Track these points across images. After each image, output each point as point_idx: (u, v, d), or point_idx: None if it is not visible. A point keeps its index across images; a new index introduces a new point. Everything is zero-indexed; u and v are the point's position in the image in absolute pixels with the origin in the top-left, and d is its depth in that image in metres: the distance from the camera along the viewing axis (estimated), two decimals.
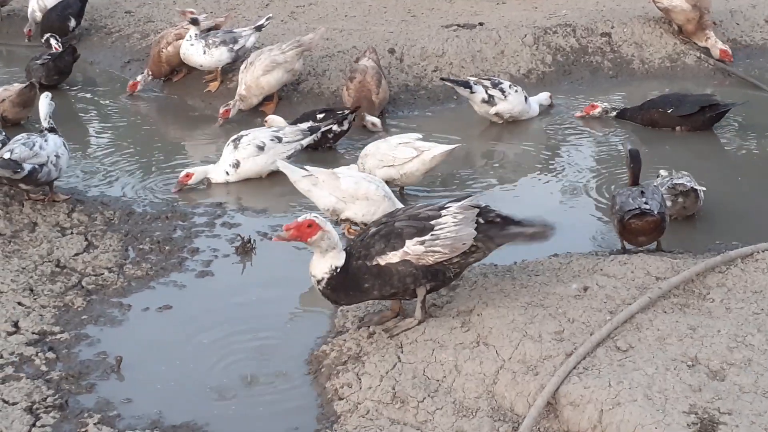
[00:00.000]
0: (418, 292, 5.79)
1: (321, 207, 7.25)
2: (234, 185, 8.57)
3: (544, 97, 10.26)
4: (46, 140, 7.77)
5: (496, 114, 9.73)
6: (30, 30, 12.72)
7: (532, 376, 5.33)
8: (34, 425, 5.30)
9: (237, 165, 8.53)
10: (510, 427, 5.16)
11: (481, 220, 5.82)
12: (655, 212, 6.68)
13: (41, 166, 7.63)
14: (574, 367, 5.28)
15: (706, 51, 11.56)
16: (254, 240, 7.36)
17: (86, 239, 7.44)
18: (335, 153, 9.26)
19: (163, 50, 10.87)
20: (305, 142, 8.80)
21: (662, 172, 7.77)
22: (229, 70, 10.79)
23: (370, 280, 5.67)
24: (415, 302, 5.90)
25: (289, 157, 8.48)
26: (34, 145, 7.65)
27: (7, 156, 7.51)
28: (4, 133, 8.34)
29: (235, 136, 8.69)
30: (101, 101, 11.07)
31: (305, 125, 8.96)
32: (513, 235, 5.91)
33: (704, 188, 7.57)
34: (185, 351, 6.06)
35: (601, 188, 8.39)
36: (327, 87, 10.62)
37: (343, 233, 7.34)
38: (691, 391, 5.04)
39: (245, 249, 7.29)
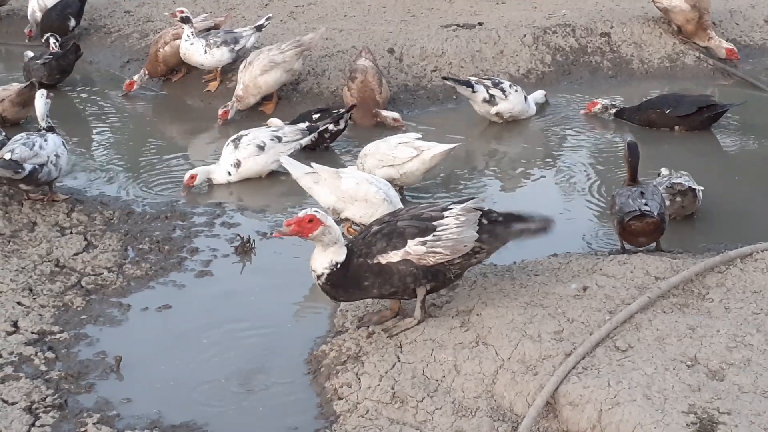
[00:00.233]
0: (418, 292, 5.79)
1: (322, 205, 7.26)
2: (233, 185, 8.57)
3: (539, 95, 10.26)
4: (45, 140, 7.77)
5: (497, 114, 9.74)
6: (31, 30, 12.72)
7: (532, 375, 5.33)
8: (33, 425, 5.31)
9: (238, 165, 8.53)
10: (509, 426, 5.17)
11: (485, 221, 5.83)
12: (655, 214, 6.68)
13: (41, 166, 7.63)
14: (574, 367, 5.28)
15: (706, 51, 11.55)
16: (254, 240, 7.36)
17: (85, 239, 7.44)
18: (332, 153, 9.26)
19: (160, 50, 10.87)
20: (304, 141, 8.81)
21: (663, 171, 7.77)
22: (229, 69, 10.79)
23: (371, 279, 5.67)
24: (414, 302, 5.90)
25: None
26: (34, 145, 7.65)
27: (8, 156, 7.51)
28: (4, 134, 8.34)
29: (234, 136, 8.70)
30: (100, 101, 11.05)
31: (303, 125, 8.97)
32: (518, 231, 5.92)
33: (702, 188, 7.57)
34: (184, 351, 6.06)
35: (600, 188, 8.39)
36: (326, 87, 10.62)
37: (344, 233, 7.34)
38: (690, 390, 5.04)
39: (245, 249, 7.29)
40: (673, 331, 5.56)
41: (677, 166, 7.99)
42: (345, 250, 5.69)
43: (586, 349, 5.41)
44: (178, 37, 10.80)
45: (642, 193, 6.86)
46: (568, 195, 8.32)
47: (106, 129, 10.27)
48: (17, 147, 7.59)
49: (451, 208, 5.83)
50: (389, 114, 9.75)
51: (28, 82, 9.90)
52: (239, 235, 7.40)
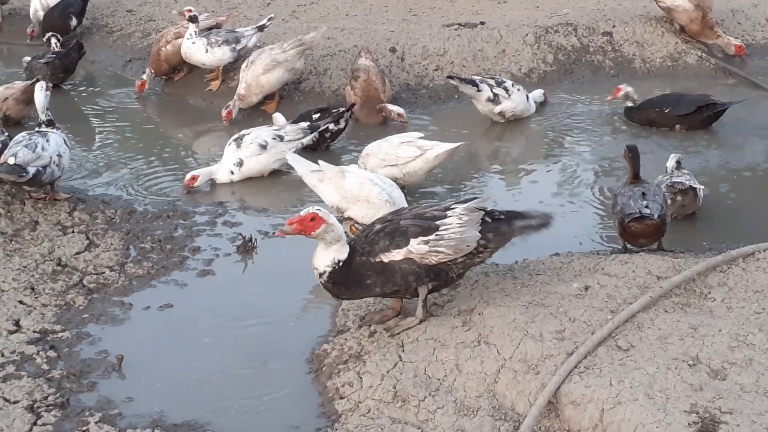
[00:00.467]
0: (420, 291, 5.79)
1: (326, 203, 7.27)
2: (235, 184, 8.57)
3: (538, 94, 10.26)
4: (47, 140, 7.77)
5: (500, 113, 9.74)
6: (33, 30, 12.73)
7: (533, 375, 5.33)
8: (35, 424, 5.31)
9: (241, 164, 8.54)
10: (511, 426, 5.17)
11: (488, 219, 5.83)
12: (656, 216, 6.67)
13: (44, 167, 7.63)
14: (575, 367, 5.28)
15: (708, 50, 11.55)
16: (255, 239, 7.36)
17: (87, 238, 7.45)
18: (333, 152, 9.25)
19: (162, 49, 10.87)
20: (306, 140, 8.82)
21: (672, 157, 7.78)
22: (231, 69, 10.79)
23: (373, 277, 5.68)
24: (416, 301, 5.90)
25: None
26: (36, 146, 7.65)
27: (12, 161, 7.51)
28: (7, 134, 8.32)
29: (236, 135, 8.70)
30: (102, 100, 11.06)
31: (305, 124, 8.98)
32: (521, 228, 5.93)
33: (703, 187, 7.56)
34: (186, 350, 6.07)
35: (602, 186, 8.39)
36: (328, 86, 10.62)
37: (346, 231, 7.35)
38: (692, 390, 5.04)
39: (246, 248, 7.29)
40: (675, 331, 5.56)
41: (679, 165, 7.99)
42: (347, 248, 5.69)
43: (588, 348, 5.40)
44: (180, 36, 10.81)
45: (644, 194, 6.84)
46: (571, 194, 8.31)
47: (108, 128, 10.27)
48: (20, 150, 7.58)
49: (454, 208, 5.84)
50: (394, 108, 9.75)
51: (34, 79, 9.88)
52: (241, 234, 7.40)
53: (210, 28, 11.08)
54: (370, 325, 6.01)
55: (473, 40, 11.35)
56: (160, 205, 8.11)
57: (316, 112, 9.33)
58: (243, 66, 10.15)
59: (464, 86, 9.66)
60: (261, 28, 10.82)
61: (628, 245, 6.95)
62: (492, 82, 9.70)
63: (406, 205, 7.23)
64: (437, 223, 5.73)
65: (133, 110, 10.79)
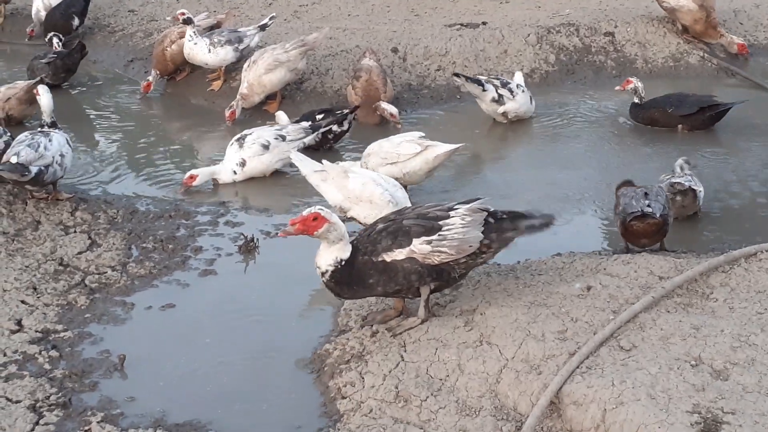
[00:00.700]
0: (422, 290, 5.79)
1: (329, 202, 7.28)
2: (237, 184, 8.58)
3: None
4: (50, 140, 7.77)
5: (503, 113, 9.74)
6: (33, 30, 12.74)
7: (536, 375, 5.33)
8: (37, 423, 5.31)
9: (243, 164, 8.54)
10: (513, 426, 5.16)
11: (492, 220, 5.83)
12: (658, 215, 6.67)
13: (47, 167, 7.64)
14: (578, 367, 5.28)
15: (710, 51, 11.55)
16: (257, 239, 7.36)
17: (89, 238, 7.45)
18: (335, 153, 9.25)
19: (167, 49, 10.87)
20: (308, 140, 8.82)
21: (680, 161, 7.79)
22: (232, 69, 10.80)
23: (375, 276, 5.67)
24: (418, 301, 5.90)
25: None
26: (39, 146, 7.65)
27: (14, 160, 7.51)
28: (9, 134, 8.32)
29: (238, 136, 8.70)
30: (104, 100, 11.07)
31: (307, 124, 8.99)
32: (525, 228, 5.92)
33: (701, 189, 7.55)
34: (188, 349, 6.06)
35: (605, 187, 8.37)
36: (330, 86, 10.62)
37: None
38: (694, 390, 5.03)
39: (248, 248, 7.29)
40: (677, 331, 5.56)
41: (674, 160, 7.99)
42: (350, 248, 5.69)
43: (590, 348, 5.40)
44: (183, 35, 10.82)
45: (646, 193, 6.87)
46: (573, 194, 8.30)
47: (110, 128, 10.28)
48: (23, 149, 7.58)
49: (457, 208, 5.83)
50: (388, 107, 9.75)
51: (37, 78, 9.89)
52: (243, 234, 7.40)
53: (211, 28, 11.08)
54: (372, 325, 6.00)
55: (475, 40, 11.35)
56: (162, 204, 8.11)
57: (319, 113, 9.34)
58: (245, 66, 10.16)
59: (470, 85, 9.66)
60: (263, 28, 10.82)
61: (630, 246, 6.95)
62: (497, 82, 9.71)
63: (409, 205, 7.23)
64: (440, 223, 5.73)
65: (134, 110, 10.80)
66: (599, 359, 5.35)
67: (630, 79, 9.97)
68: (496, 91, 9.64)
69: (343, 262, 5.65)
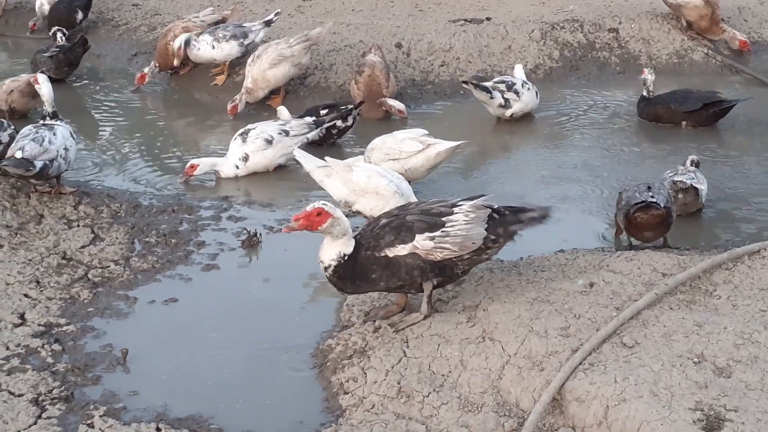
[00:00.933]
0: (425, 286, 5.79)
1: (334, 197, 7.28)
2: (240, 179, 8.58)
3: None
4: (54, 133, 7.77)
5: (511, 115, 9.74)
6: (35, 24, 12.74)
7: (538, 371, 5.33)
8: (39, 417, 5.31)
9: (246, 159, 8.54)
10: (515, 422, 5.16)
11: (496, 216, 5.83)
12: (662, 206, 6.67)
13: (51, 161, 7.64)
14: (580, 363, 5.27)
15: (714, 47, 11.53)
16: (260, 234, 7.36)
17: (92, 232, 7.45)
18: (339, 148, 9.25)
19: (170, 43, 10.87)
20: (311, 135, 8.82)
21: (690, 157, 7.78)
22: (236, 63, 10.80)
23: (378, 271, 5.67)
24: (420, 297, 5.90)
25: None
26: (43, 140, 7.65)
27: (19, 155, 7.52)
28: (13, 127, 8.31)
29: (242, 130, 8.70)
30: (108, 94, 11.07)
31: (310, 119, 8.99)
32: (526, 220, 5.92)
33: (703, 186, 7.53)
34: (191, 344, 6.07)
35: (608, 183, 8.38)
36: (334, 81, 10.62)
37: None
38: (697, 387, 5.03)
39: (251, 242, 7.29)
40: (680, 328, 5.55)
41: (681, 159, 7.98)
42: (353, 243, 5.69)
43: (593, 345, 5.40)
44: (188, 29, 10.85)
45: (649, 187, 6.89)
46: (576, 190, 8.30)
47: (114, 122, 10.28)
48: (27, 144, 7.58)
49: (461, 205, 5.83)
50: (395, 104, 9.75)
51: (39, 71, 9.89)
52: (246, 229, 7.40)
53: (216, 23, 11.08)
54: (374, 321, 6.00)
55: (479, 35, 11.34)
56: (165, 199, 8.11)
57: (324, 108, 9.33)
58: (249, 60, 10.16)
59: (478, 92, 9.64)
60: (268, 23, 10.83)
61: (633, 241, 6.94)
62: (503, 87, 9.68)
63: (413, 196, 7.26)
64: (443, 219, 5.72)
65: (138, 104, 10.80)
66: (602, 356, 5.35)
67: (645, 69, 9.97)
68: (503, 96, 9.64)
69: (346, 257, 5.65)
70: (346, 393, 5.48)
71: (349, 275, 5.70)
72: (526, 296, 5.97)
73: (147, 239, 7.38)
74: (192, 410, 5.42)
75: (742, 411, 4.85)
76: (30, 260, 6.97)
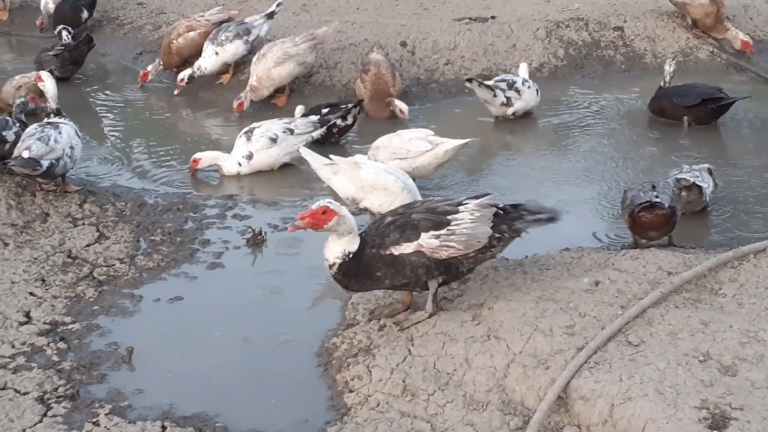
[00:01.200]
0: (430, 284, 5.79)
1: (341, 195, 7.29)
2: (245, 177, 8.58)
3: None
4: (60, 132, 7.78)
5: (513, 113, 9.75)
6: (42, 22, 12.77)
7: (543, 370, 5.32)
8: (45, 415, 5.32)
9: (250, 157, 8.55)
10: (520, 420, 5.16)
11: (500, 212, 5.83)
12: (666, 206, 6.67)
13: (57, 160, 7.65)
14: (585, 362, 5.27)
15: (720, 46, 11.51)
16: (265, 232, 7.36)
17: (98, 230, 7.46)
18: (342, 147, 9.25)
19: (174, 41, 10.89)
20: (316, 134, 8.82)
21: (704, 166, 7.78)
22: (241, 62, 10.80)
23: (383, 269, 5.67)
24: (425, 295, 5.90)
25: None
26: (49, 139, 7.66)
27: (26, 155, 7.53)
28: (18, 125, 8.31)
29: (247, 129, 8.71)
30: (113, 93, 11.08)
31: (315, 117, 8.99)
32: (531, 221, 5.92)
33: (708, 185, 7.52)
34: (196, 342, 6.07)
35: (613, 182, 8.37)
36: (338, 80, 10.62)
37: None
38: (702, 386, 5.02)
39: (256, 241, 7.30)
40: (685, 326, 5.55)
41: (690, 161, 7.97)
42: (358, 240, 5.69)
43: (598, 343, 5.39)
44: (191, 29, 10.85)
45: (654, 186, 6.89)
46: (581, 189, 8.29)
47: (119, 121, 10.29)
48: (33, 143, 7.59)
49: (466, 203, 5.83)
50: (399, 104, 9.75)
51: (47, 70, 9.88)
52: (251, 228, 7.40)
53: (221, 22, 11.08)
54: (379, 319, 6.01)
55: (484, 34, 11.33)
56: (170, 197, 8.12)
57: (325, 107, 9.32)
58: (254, 59, 10.16)
59: (482, 90, 9.64)
60: (270, 15, 10.81)
61: (638, 240, 6.93)
62: (504, 85, 9.69)
63: (418, 194, 7.26)
64: (449, 218, 5.72)
65: (143, 103, 10.81)
66: (607, 354, 5.35)
67: (671, 61, 9.99)
68: (504, 94, 9.65)
69: (351, 255, 5.65)
70: (351, 391, 5.48)
71: (354, 273, 5.70)
72: (531, 295, 5.96)
73: (152, 238, 7.38)
74: (197, 408, 5.42)
75: (748, 409, 4.84)
76: (35, 258, 6.98)
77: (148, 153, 9.25)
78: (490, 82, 9.77)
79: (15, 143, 7.85)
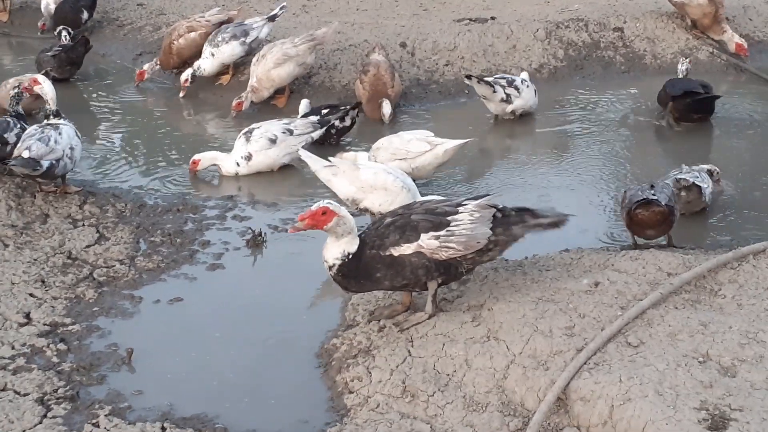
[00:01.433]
0: (429, 285, 5.79)
1: (341, 196, 7.30)
2: (245, 178, 8.58)
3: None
4: (60, 133, 7.78)
5: (512, 111, 9.74)
6: (44, 24, 12.76)
7: (543, 371, 5.33)
8: (45, 416, 5.32)
9: (249, 158, 8.55)
10: (520, 422, 5.16)
11: (499, 215, 5.83)
12: (663, 203, 6.67)
13: (58, 160, 7.66)
14: (585, 363, 5.27)
15: (719, 46, 11.51)
16: (265, 233, 7.37)
17: (98, 231, 7.46)
18: (341, 148, 9.23)
19: (174, 42, 10.88)
20: (315, 134, 8.82)
21: (703, 167, 7.78)
22: (241, 63, 10.80)
23: (383, 270, 5.68)
24: (425, 296, 5.90)
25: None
26: (49, 139, 7.66)
27: (26, 155, 7.54)
28: (19, 126, 8.30)
29: (246, 129, 8.71)
30: (113, 94, 11.07)
31: (314, 118, 8.99)
32: (531, 226, 5.92)
33: (707, 185, 7.52)
34: (196, 343, 6.07)
35: (612, 182, 8.38)
36: (338, 81, 10.62)
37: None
38: (702, 387, 5.02)
39: (256, 242, 7.30)
40: (685, 327, 5.55)
41: (689, 161, 7.96)
42: (358, 241, 5.70)
43: (598, 344, 5.40)
44: (192, 29, 10.85)
45: (652, 185, 6.90)
46: (580, 190, 8.29)
47: (119, 122, 10.28)
48: (33, 143, 7.60)
49: (465, 204, 5.83)
50: (384, 107, 9.71)
51: (43, 71, 9.89)
52: (251, 229, 7.41)
53: (222, 23, 11.07)
54: (379, 320, 6.01)
55: (484, 35, 11.33)
56: (170, 198, 8.12)
57: (325, 108, 9.32)
58: (254, 60, 10.16)
59: (482, 87, 9.64)
60: (272, 18, 10.81)
61: (637, 239, 6.94)
62: (504, 82, 9.69)
63: (418, 194, 7.27)
64: (448, 218, 5.73)
65: (143, 104, 10.81)
66: (607, 355, 5.35)
67: (683, 59, 10.08)
68: (504, 91, 9.65)
69: (351, 256, 5.66)
70: (350, 392, 5.48)
71: (354, 274, 5.70)
72: (531, 296, 5.97)
73: (152, 239, 7.38)
74: (197, 409, 5.43)
75: (747, 410, 4.85)
76: (35, 260, 6.98)
77: (148, 154, 9.25)
78: (489, 78, 9.77)
79: (16, 145, 7.85)
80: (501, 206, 5.91)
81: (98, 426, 5.26)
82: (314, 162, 7.49)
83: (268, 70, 9.99)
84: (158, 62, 10.98)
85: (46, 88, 8.12)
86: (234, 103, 9.93)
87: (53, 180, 7.84)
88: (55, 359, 5.85)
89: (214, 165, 8.64)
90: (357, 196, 7.29)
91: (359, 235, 5.76)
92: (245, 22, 10.86)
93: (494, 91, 9.61)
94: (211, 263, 7.07)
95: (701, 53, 11.48)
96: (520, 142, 9.61)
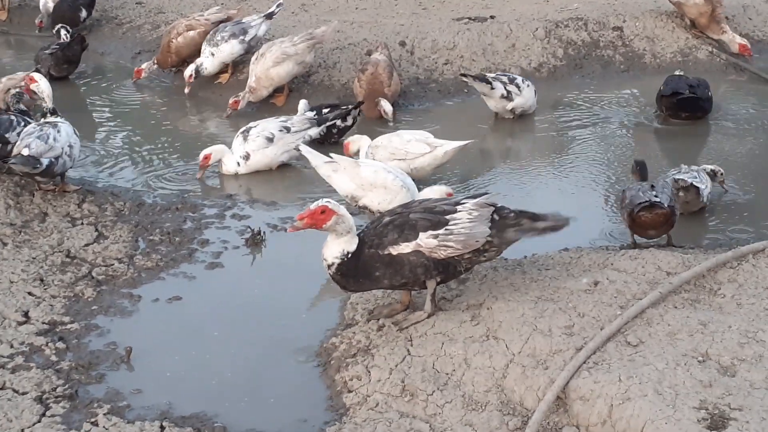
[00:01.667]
0: (428, 284, 5.79)
1: (340, 193, 7.31)
2: (244, 177, 8.58)
3: None
4: (58, 131, 7.77)
5: (512, 109, 9.73)
6: (41, 21, 12.77)
7: (542, 370, 5.32)
8: (43, 415, 5.32)
9: (247, 157, 8.54)
10: (519, 421, 5.16)
11: (496, 217, 5.83)
12: (665, 205, 6.68)
13: (57, 158, 7.65)
14: (584, 362, 5.27)
15: (719, 46, 11.51)
16: (264, 232, 7.36)
17: (96, 230, 7.46)
18: (340, 148, 9.22)
19: (173, 41, 10.88)
20: (313, 132, 8.80)
21: (707, 167, 7.78)
22: (240, 62, 10.80)
23: (381, 269, 5.68)
24: (424, 295, 5.90)
25: (297, 148, 8.47)
26: (48, 137, 7.66)
27: (25, 152, 7.54)
28: (23, 124, 8.27)
29: (243, 128, 8.70)
30: (111, 92, 11.07)
31: (311, 113, 8.99)
32: (527, 229, 5.91)
33: (706, 185, 7.52)
34: (195, 342, 6.07)
35: (611, 182, 8.38)
36: (337, 79, 10.61)
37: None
38: (701, 386, 5.02)
39: (255, 241, 7.29)
40: (684, 327, 5.55)
41: (687, 161, 7.96)
42: (357, 240, 5.69)
43: (597, 344, 5.39)
44: (191, 28, 10.85)
45: (653, 186, 6.90)
46: (579, 189, 8.29)
47: (118, 120, 10.28)
48: (33, 141, 7.59)
49: (464, 203, 5.83)
50: (384, 105, 9.71)
51: (34, 69, 9.89)
52: (250, 228, 7.40)
53: (221, 22, 11.07)
54: (378, 319, 6.01)
55: (483, 34, 11.32)
56: (169, 197, 8.12)
57: (326, 107, 9.32)
58: (253, 59, 10.16)
59: (478, 84, 9.63)
60: (269, 16, 10.81)
61: (637, 239, 6.94)
62: (505, 79, 9.69)
63: (417, 192, 7.28)
64: (447, 217, 5.72)
65: (142, 102, 10.81)
66: (606, 355, 5.35)
67: None
68: (505, 87, 9.62)
69: (350, 255, 5.65)
70: (350, 391, 5.48)
71: (353, 273, 5.70)
72: (530, 295, 5.96)
73: (151, 237, 7.38)
74: (196, 408, 5.42)
75: (747, 410, 4.84)
76: (34, 258, 6.97)
77: (147, 152, 9.24)
78: (489, 75, 9.76)
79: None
80: (500, 205, 5.90)
81: (97, 425, 5.25)
82: (315, 157, 7.50)
83: (267, 69, 9.98)
84: (156, 61, 10.97)
85: (42, 86, 8.11)
86: (230, 102, 9.93)
87: (52, 178, 7.84)
88: (53, 358, 5.84)
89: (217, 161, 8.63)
90: (356, 194, 7.29)
91: (358, 234, 5.76)
92: (243, 21, 10.86)
93: (492, 88, 9.59)
94: (210, 262, 7.06)
95: (701, 52, 11.48)
96: (520, 141, 9.61)
